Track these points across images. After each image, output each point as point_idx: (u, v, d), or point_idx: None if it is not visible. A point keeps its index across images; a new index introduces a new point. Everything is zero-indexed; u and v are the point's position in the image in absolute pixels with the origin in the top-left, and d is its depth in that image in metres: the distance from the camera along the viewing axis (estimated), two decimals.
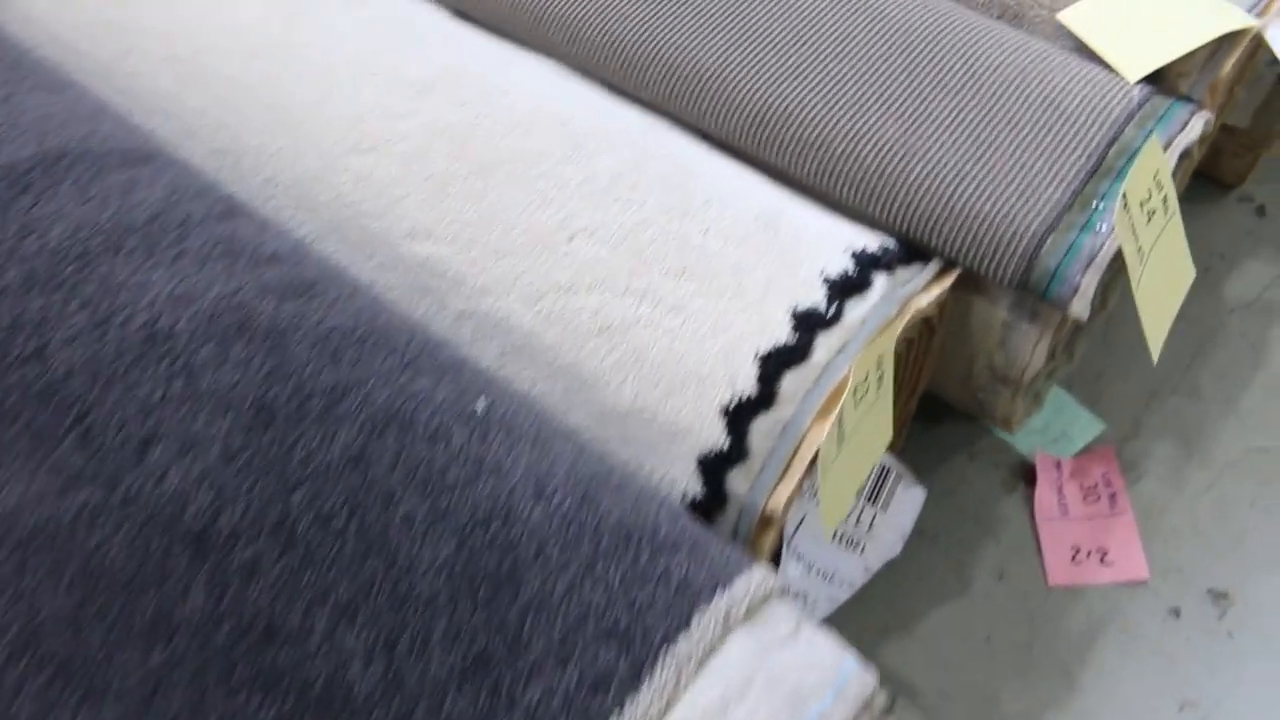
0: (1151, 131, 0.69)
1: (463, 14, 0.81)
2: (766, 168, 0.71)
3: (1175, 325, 0.72)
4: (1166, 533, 0.83)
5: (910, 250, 0.67)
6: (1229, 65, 0.75)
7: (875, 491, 0.74)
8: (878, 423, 0.63)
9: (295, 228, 0.70)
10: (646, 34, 0.73)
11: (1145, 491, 0.86)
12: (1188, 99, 0.75)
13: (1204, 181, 1.03)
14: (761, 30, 0.73)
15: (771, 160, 0.70)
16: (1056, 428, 0.88)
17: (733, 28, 0.73)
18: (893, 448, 0.76)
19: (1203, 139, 0.73)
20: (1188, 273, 0.71)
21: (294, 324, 0.58)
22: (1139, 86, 0.72)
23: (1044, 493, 0.85)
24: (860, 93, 0.69)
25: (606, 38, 0.74)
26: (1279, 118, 0.94)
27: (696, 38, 0.73)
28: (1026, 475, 0.87)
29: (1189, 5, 0.76)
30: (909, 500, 0.75)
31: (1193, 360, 0.93)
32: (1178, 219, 0.68)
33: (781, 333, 0.59)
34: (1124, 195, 0.63)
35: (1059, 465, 0.86)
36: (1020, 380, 0.71)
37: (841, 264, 0.62)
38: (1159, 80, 0.74)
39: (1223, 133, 0.97)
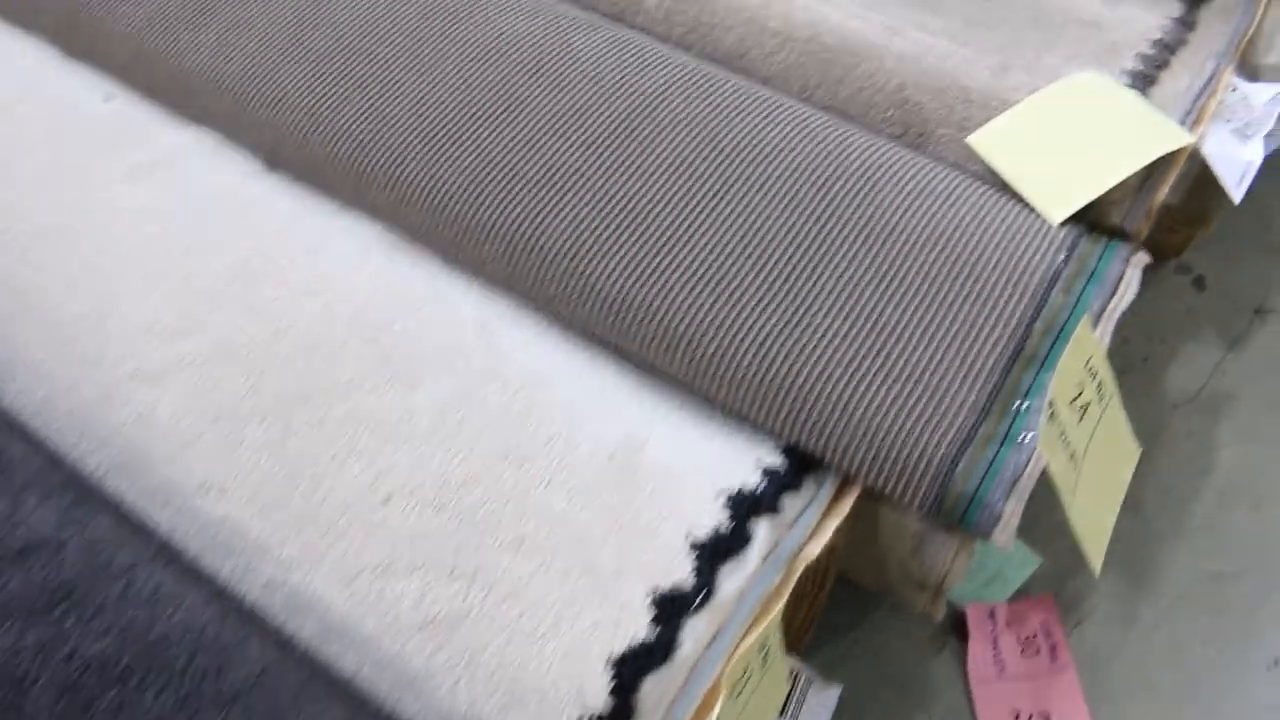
0: (1083, 295, 0.57)
1: (278, 163, 0.66)
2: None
3: None
4: (1114, 686, 0.73)
5: (803, 462, 0.54)
6: (1165, 188, 0.63)
7: (784, 703, 0.63)
8: (766, 699, 0.51)
9: (80, 458, 0.57)
10: (483, 194, 0.59)
11: (1089, 637, 0.75)
12: (1121, 233, 0.62)
13: None
14: (615, 190, 0.59)
15: (638, 356, 0.57)
16: (990, 568, 0.77)
17: (582, 188, 0.59)
18: (798, 649, 0.65)
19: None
20: (1131, 453, 0.59)
21: (35, 668, 0.45)
22: (1064, 230, 0.59)
23: (977, 649, 0.74)
24: (735, 271, 0.56)
25: (436, 198, 0.60)
26: (1213, 199, 0.82)
27: (542, 201, 0.59)
28: (957, 627, 0.76)
29: (1116, 123, 0.63)
30: (821, 705, 0.64)
31: (1135, 471, 0.81)
32: (1116, 400, 0.56)
33: (639, 625, 0.47)
34: (1051, 403, 0.51)
35: (993, 615, 0.75)
36: (940, 586, 0.59)
37: (712, 519, 0.50)
38: (1087, 208, 0.61)
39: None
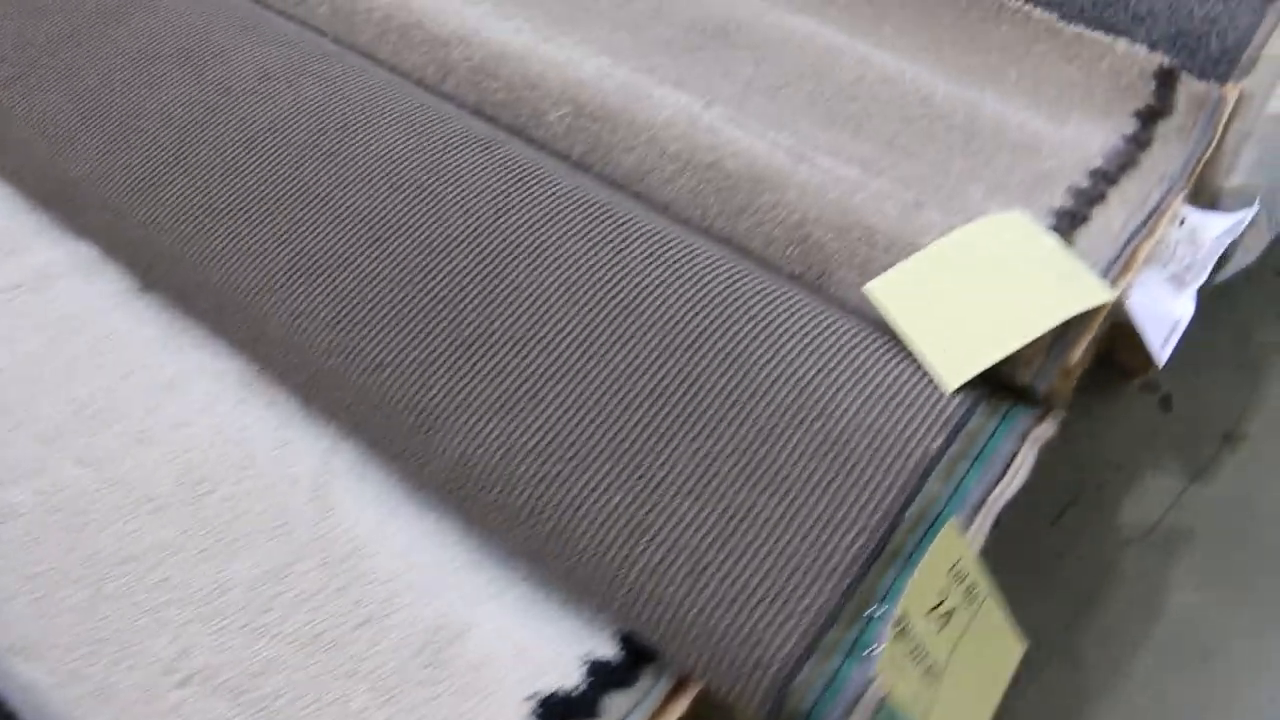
0: (964, 482, 0.51)
1: (152, 284, 0.63)
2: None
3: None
4: None
5: (641, 654, 0.50)
6: (1081, 348, 0.56)
7: None
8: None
9: None
10: (334, 333, 0.56)
11: None
12: (1031, 395, 0.56)
13: (1104, 367, 0.84)
14: (472, 335, 0.55)
15: (479, 525, 0.53)
16: None
17: (436, 331, 0.55)
18: None
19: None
20: (1011, 651, 0.53)
21: None
22: (957, 400, 0.54)
23: None
24: (587, 438, 0.52)
25: (291, 333, 0.57)
26: None
27: (390, 344, 0.55)
28: None
29: (1030, 274, 0.57)
30: None
31: (1075, 616, 0.75)
32: (990, 602, 0.50)
33: None
34: (900, 618, 0.45)
35: None
36: None
37: None
38: (995, 366, 0.55)
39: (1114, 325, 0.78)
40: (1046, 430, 0.55)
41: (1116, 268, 0.59)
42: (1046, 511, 0.79)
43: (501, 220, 0.59)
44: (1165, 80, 0.71)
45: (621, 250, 0.58)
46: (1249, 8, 0.74)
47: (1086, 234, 0.61)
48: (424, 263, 0.58)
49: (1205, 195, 0.71)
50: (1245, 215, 0.65)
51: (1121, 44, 0.72)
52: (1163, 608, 0.75)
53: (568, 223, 0.59)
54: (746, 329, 0.55)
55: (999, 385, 0.56)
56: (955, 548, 0.48)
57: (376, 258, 0.58)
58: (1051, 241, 0.58)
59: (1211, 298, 0.72)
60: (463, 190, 0.61)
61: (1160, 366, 0.58)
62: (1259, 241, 0.84)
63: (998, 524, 0.51)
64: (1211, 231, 0.65)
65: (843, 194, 0.60)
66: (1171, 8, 0.74)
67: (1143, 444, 0.82)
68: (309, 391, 0.57)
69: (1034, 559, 0.77)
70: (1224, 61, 0.73)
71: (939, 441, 0.52)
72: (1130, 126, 0.70)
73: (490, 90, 0.68)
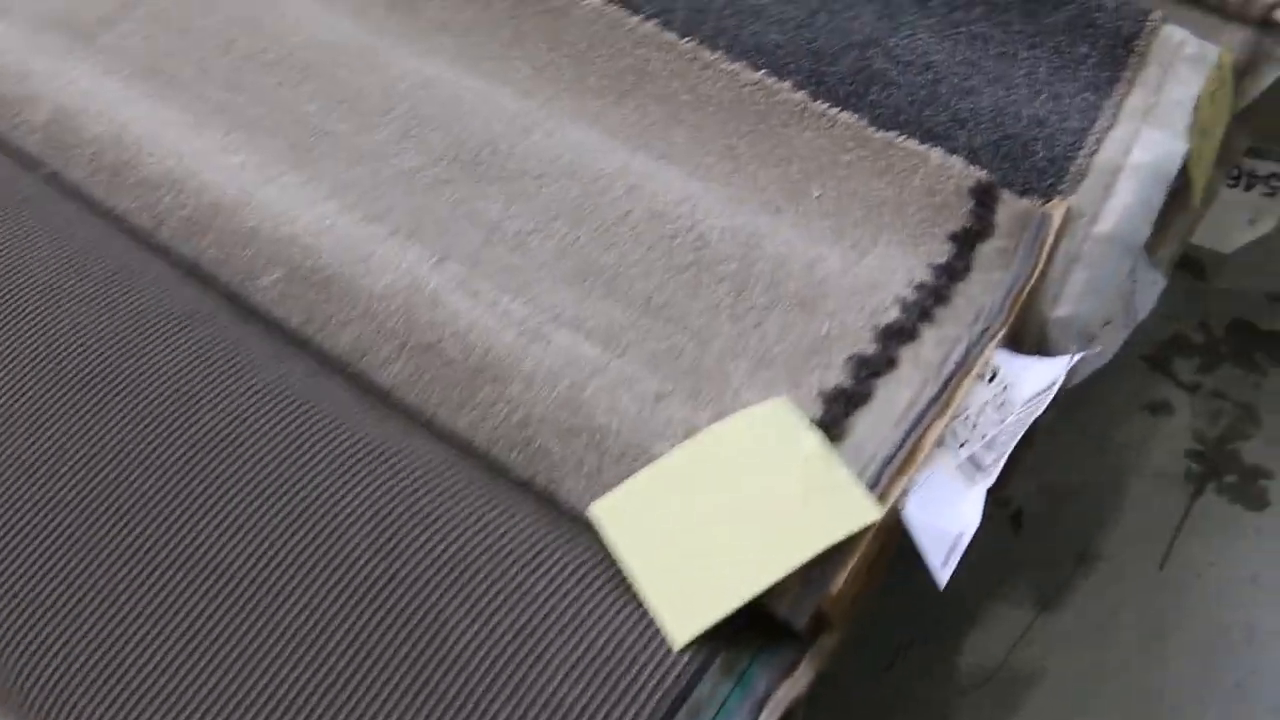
0: None
1: None
2: None
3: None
4: None
5: None
6: (845, 576, 0.47)
7: None
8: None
9: None
10: None
11: None
12: (788, 630, 0.47)
13: None
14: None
15: None
16: None
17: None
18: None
19: None
20: None
21: None
22: (686, 657, 0.44)
23: None
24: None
25: None
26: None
27: None
28: None
29: (785, 490, 0.47)
30: None
31: None
32: None
33: None
34: None
35: None
36: None
37: None
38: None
39: None
40: (796, 686, 0.45)
41: (894, 464, 0.49)
42: (878, 656, 0.70)
43: (181, 425, 0.49)
44: (983, 198, 0.60)
45: (307, 469, 0.48)
46: (1081, 107, 0.62)
47: (866, 416, 0.51)
48: (85, 479, 0.48)
49: (1029, 326, 0.61)
50: (1061, 368, 0.54)
51: (935, 155, 0.61)
52: None
53: (256, 429, 0.49)
54: (440, 577, 0.45)
55: (753, 616, 0.47)
56: None
57: (34, 463, 0.49)
58: (813, 443, 0.48)
59: (1072, 402, 0.63)
60: (143, 381, 0.51)
61: (941, 588, 0.48)
62: (1114, 341, 0.74)
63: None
64: (1025, 389, 0.54)
65: (574, 384, 0.50)
66: (996, 109, 0.63)
67: (990, 569, 0.73)
68: None
69: (862, 712, 0.68)
70: (1050, 172, 0.62)
71: (658, 712, 0.42)
72: (944, 253, 0.59)
73: (203, 247, 0.57)
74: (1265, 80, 0.69)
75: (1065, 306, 0.60)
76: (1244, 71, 0.69)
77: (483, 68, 0.67)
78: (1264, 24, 0.67)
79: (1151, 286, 0.79)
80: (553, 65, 0.67)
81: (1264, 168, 0.93)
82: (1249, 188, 0.92)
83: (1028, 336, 0.62)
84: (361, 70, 0.65)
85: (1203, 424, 0.78)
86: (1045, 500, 0.75)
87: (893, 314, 0.55)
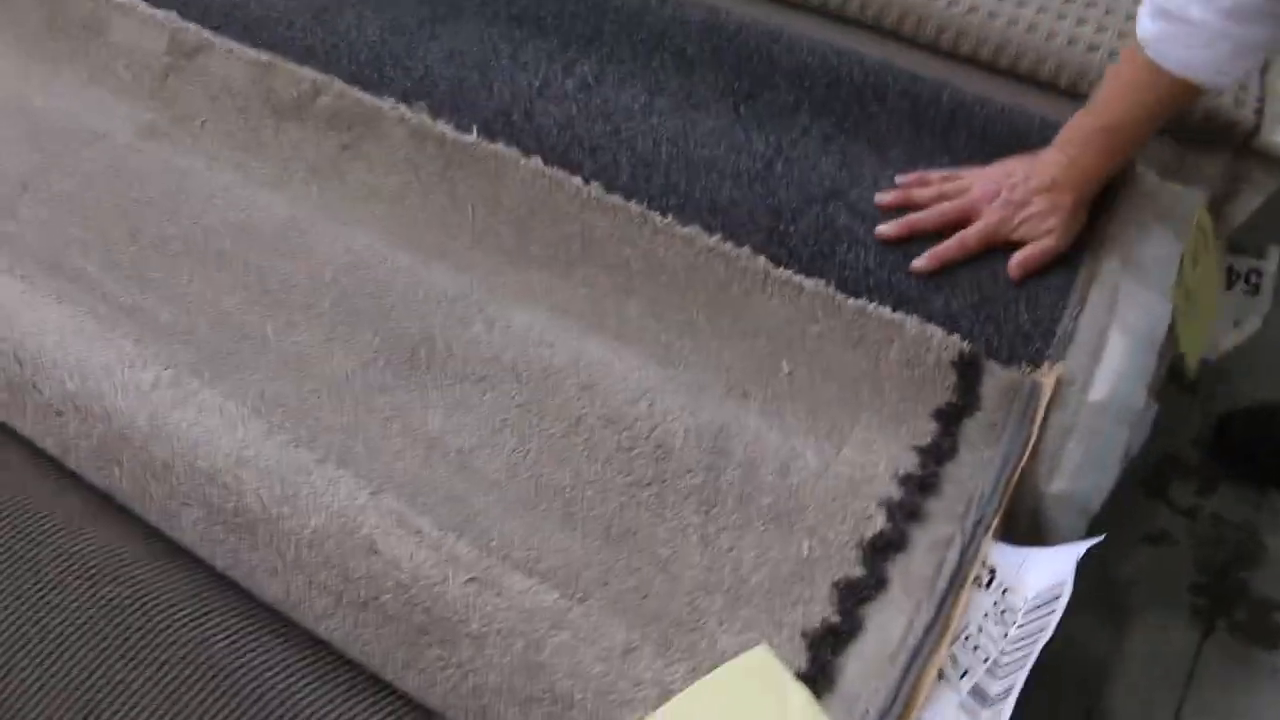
0: None
1: None
2: None
3: None
4: None
5: None
6: None
7: None
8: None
9: None
10: None
11: None
12: None
13: None
14: None
15: None
16: None
17: None
18: None
19: None
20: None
21: None
22: None
23: None
24: None
25: None
26: None
27: None
28: None
29: None
30: None
31: None
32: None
33: None
34: None
35: None
36: None
37: None
38: None
39: None
40: None
41: (892, 716, 0.44)
42: None
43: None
44: (966, 370, 0.55)
45: None
46: (1062, 264, 0.58)
47: (857, 655, 0.46)
48: None
49: (1024, 504, 0.56)
50: (1068, 565, 0.49)
51: (912, 323, 0.56)
52: None
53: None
54: None
55: None
56: None
57: None
58: (800, 702, 0.43)
59: None
60: (53, 656, 0.45)
61: None
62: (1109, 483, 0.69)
63: None
64: (1027, 589, 0.49)
65: (531, 644, 0.44)
66: (972, 267, 0.59)
67: None
68: None
69: None
70: (1037, 336, 0.57)
71: None
72: (928, 433, 0.54)
73: (115, 479, 0.51)
74: (1248, 206, 0.65)
75: (1062, 482, 0.55)
76: (1225, 199, 0.65)
77: (416, 238, 0.62)
78: (1242, 150, 0.63)
79: (1145, 413, 0.75)
80: (492, 232, 0.62)
81: (1242, 263, 0.88)
82: (1230, 285, 0.88)
83: (1022, 514, 0.57)
84: (282, 256, 0.60)
85: (1206, 552, 0.73)
86: (1047, 652, 0.70)
87: (878, 522, 0.50)
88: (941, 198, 0.60)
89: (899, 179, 0.62)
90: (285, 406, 0.53)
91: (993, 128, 0.65)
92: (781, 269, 0.58)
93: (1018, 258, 0.59)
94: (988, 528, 0.52)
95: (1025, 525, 0.57)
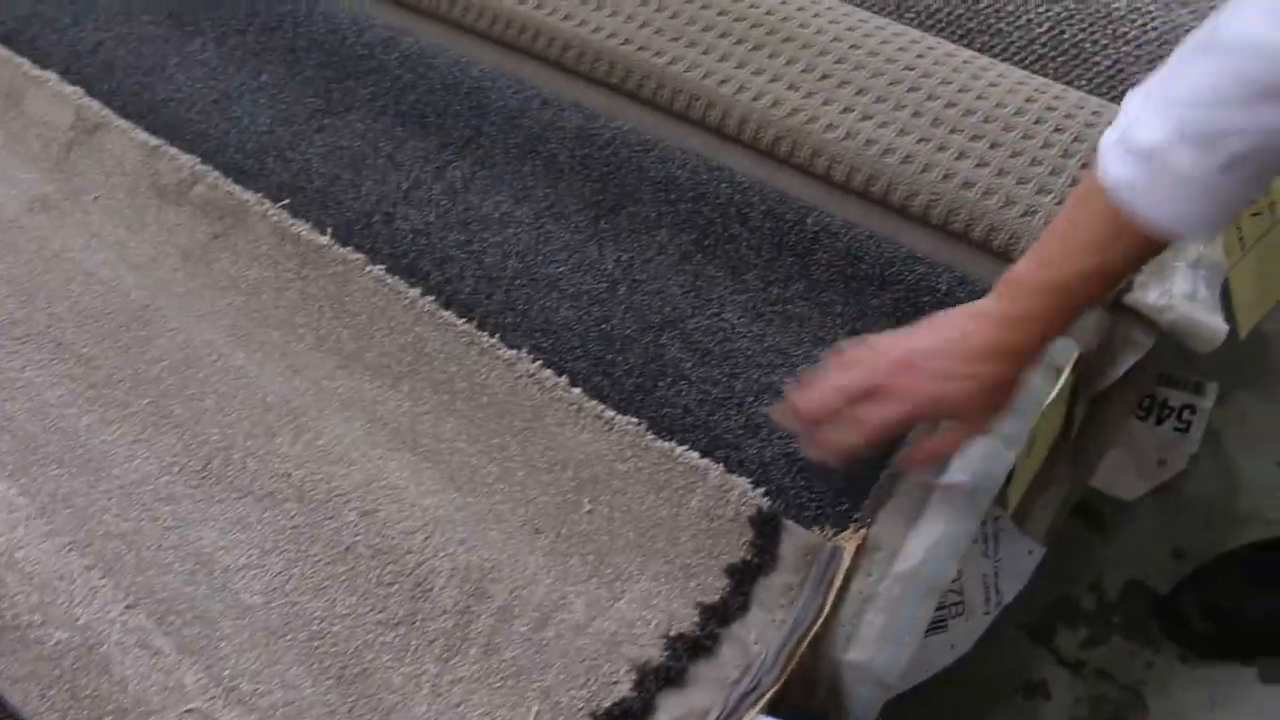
0: None
1: None
2: None
3: None
4: None
5: None
6: None
7: None
8: None
9: None
10: None
11: None
12: None
13: None
14: None
15: None
16: None
17: None
18: None
19: None
20: None
21: None
22: None
23: None
24: None
25: None
26: None
27: None
28: None
29: None
30: None
31: None
32: None
33: None
34: None
35: None
36: None
37: None
38: None
39: None
40: None
41: None
42: None
43: None
44: (764, 529, 0.53)
45: None
46: None
47: None
48: None
49: (821, 670, 0.53)
50: None
51: (715, 473, 0.54)
52: None
53: None
54: None
55: None
56: None
57: None
58: None
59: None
60: None
61: None
62: (973, 631, 0.66)
63: None
64: None
65: None
66: None
67: None
68: None
69: None
70: (848, 494, 0.54)
71: None
72: (718, 589, 0.52)
73: None
74: (1122, 365, 0.61)
75: (859, 651, 0.52)
76: (1099, 355, 0.61)
77: (262, 336, 0.62)
78: (1114, 307, 0.59)
79: (1025, 559, 0.70)
80: (334, 336, 0.62)
81: (1177, 398, 0.83)
82: (1160, 420, 0.82)
83: (821, 681, 0.54)
84: (118, 350, 0.60)
85: (1083, 712, 0.69)
86: None
87: (622, 689, 0.47)
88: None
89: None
90: (73, 507, 0.53)
91: (856, 253, 0.62)
92: (597, 402, 0.56)
93: (927, 447, 0.51)
94: (761, 696, 0.49)
95: (824, 693, 0.54)
